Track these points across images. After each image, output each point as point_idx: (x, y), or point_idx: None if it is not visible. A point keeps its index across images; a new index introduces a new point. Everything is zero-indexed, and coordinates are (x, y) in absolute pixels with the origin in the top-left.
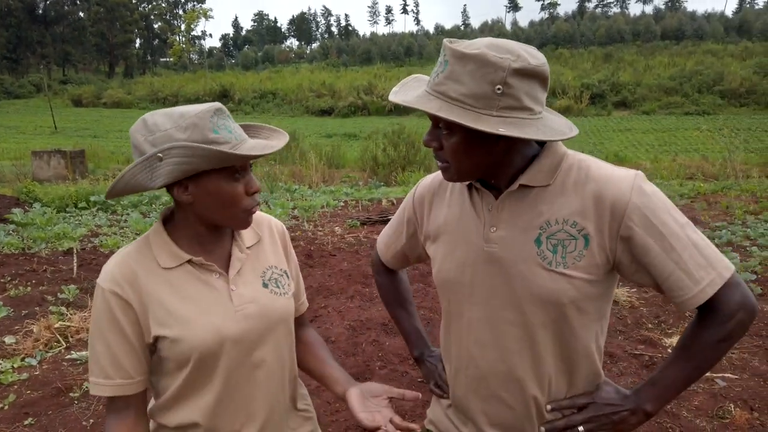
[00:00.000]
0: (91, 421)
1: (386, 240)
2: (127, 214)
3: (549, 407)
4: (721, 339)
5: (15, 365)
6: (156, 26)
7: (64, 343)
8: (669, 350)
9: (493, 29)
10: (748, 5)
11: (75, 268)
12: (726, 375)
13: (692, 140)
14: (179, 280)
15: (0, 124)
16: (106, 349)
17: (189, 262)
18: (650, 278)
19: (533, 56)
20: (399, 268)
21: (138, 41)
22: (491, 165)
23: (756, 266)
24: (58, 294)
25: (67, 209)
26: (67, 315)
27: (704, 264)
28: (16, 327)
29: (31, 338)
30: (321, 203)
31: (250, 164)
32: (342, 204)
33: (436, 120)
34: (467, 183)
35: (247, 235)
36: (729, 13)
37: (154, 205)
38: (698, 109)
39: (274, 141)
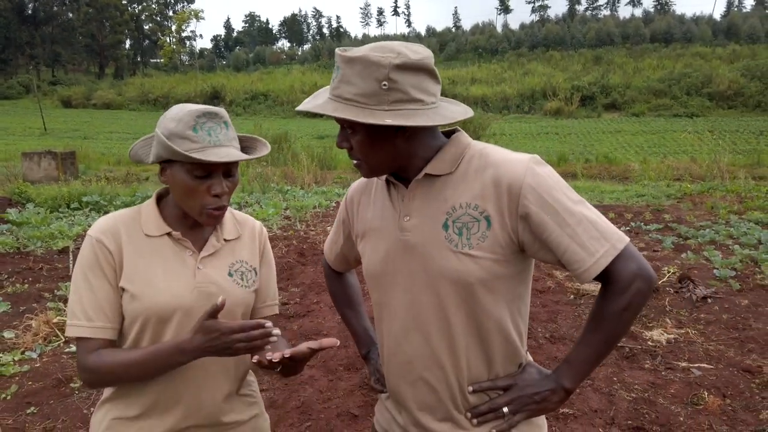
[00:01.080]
0: (92, 409)
1: (329, 243)
2: None
3: (470, 389)
4: (622, 308)
5: (16, 358)
6: (146, 27)
7: (62, 337)
8: (649, 343)
9: (484, 31)
10: (736, 8)
11: (71, 266)
12: (702, 365)
13: (681, 142)
14: (156, 248)
15: None
16: (90, 292)
17: (169, 235)
18: (551, 254)
19: (415, 52)
20: (343, 270)
21: (128, 42)
22: (397, 157)
23: (736, 263)
24: (55, 291)
25: (59, 209)
26: (64, 311)
27: (598, 236)
28: (15, 322)
29: (30, 332)
30: (313, 203)
31: (232, 172)
32: (334, 204)
33: (341, 123)
34: (385, 179)
35: (228, 229)
36: (717, 16)
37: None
38: (687, 111)
39: (250, 154)
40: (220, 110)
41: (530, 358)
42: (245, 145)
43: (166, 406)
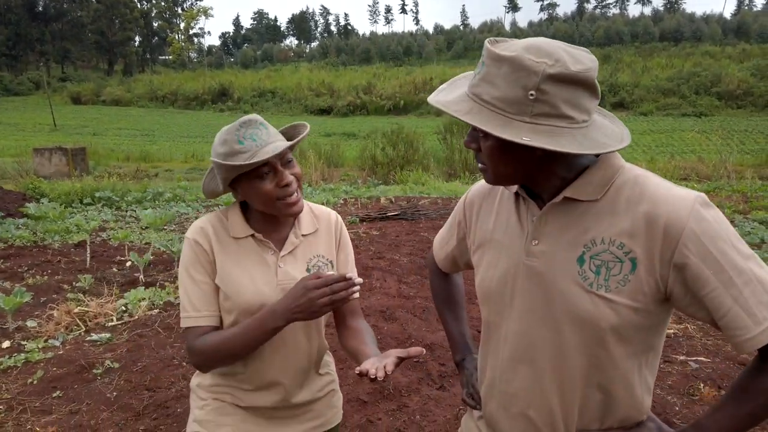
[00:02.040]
0: (115, 393)
1: (440, 240)
2: (132, 209)
3: None
4: None
5: (40, 346)
6: (155, 24)
7: (83, 326)
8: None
9: (492, 29)
10: (746, 7)
11: (88, 259)
12: (699, 358)
13: (689, 142)
14: (241, 249)
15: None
16: (194, 286)
17: (252, 236)
18: (706, 313)
19: (577, 61)
20: (449, 271)
21: (137, 39)
22: (530, 172)
23: None
24: (74, 283)
25: (72, 205)
26: (84, 301)
27: (767, 302)
28: (37, 312)
29: (52, 322)
30: (321, 200)
31: (288, 159)
32: (341, 201)
33: None
34: (515, 191)
35: (305, 224)
36: (727, 15)
37: (157, 201)
38: (695, 110)
39: (296, 138)
40: (254, 116)
41: (650, 414)
42: (290, 135)
43: (258, 386)
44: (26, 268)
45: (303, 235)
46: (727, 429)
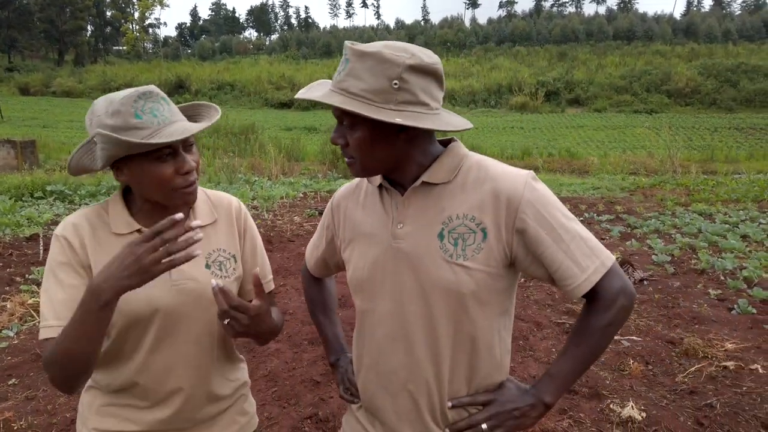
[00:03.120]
0: None
1: (310, 248)
2: (86, 203)
3: (450, 404)
4: (607, 323)
5: None
6: (108, 13)
7: (37, 317)
8: None
9: (452, 25)
10: (695, 8)
11: (41, 252)
12: (631, 337)
13: (640, 137)
14: None
15: None
16: (59, 290)
17: (139, 231)
18: (543, 269)
19: (428, 55)
20: (321, 275)
21: (89, 28)
22: (394, 159)
23: (674, 250)
24: (26, 275)
25: (23, 198)
26: (37, 293)
27: (589, 253)
28: None
29: (6, 313)
30: (280, 194)
31: (189, 142)
32: (301, 195)
33: (340, 118)
34: (378, 185)
35: (202, 214)
36: (677, 15)
37: (111, 195)
38: (646, 107)
39: (204, 122)
40: (154, 88)
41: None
42: (190, 114)
43: (153, 396)
44: None
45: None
46: (570, 370)
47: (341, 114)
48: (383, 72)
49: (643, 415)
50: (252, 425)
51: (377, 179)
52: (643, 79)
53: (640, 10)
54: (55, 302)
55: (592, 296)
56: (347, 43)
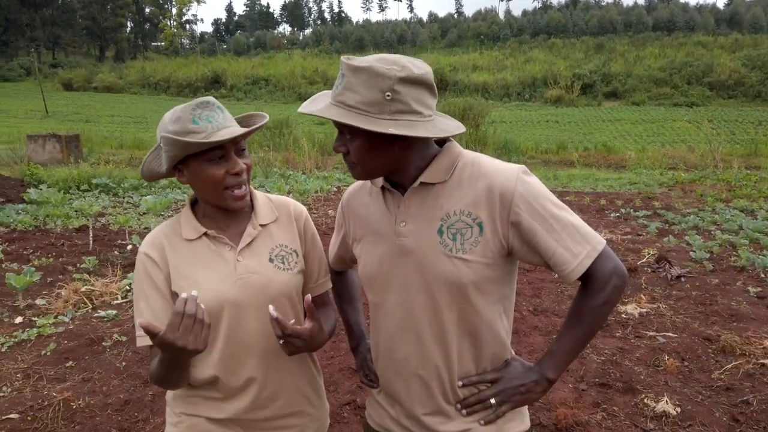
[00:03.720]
0: (123, 363)
1: (331, 244)
2: (129, 196)
3: (460, 383)
4: (602, 303)
5: (50, 321)
6: (148, 10)
7: (90, 304)
8: (622, 315)
9: (486, 18)
10: None
11: (91, 243)
12: (667, 333)
13: (680, 131)
14: (196, 250)
15: None
16: (146, 303)
17: (206, 234)
18: (539, 257)
19: (417, 67)
20: (340, 269)
21: (129, 25)
22: (392, 164)
23: (713, 247)
24: (78, 264)
25: (69, 191)
26: (90, 281)
27: (580, 240)
28: (44, 292)
29: (61, 300)
30: (315, 188)
31: (242, 147)
32: (335, 189)
33: (340, 128)
34: (380, 186)
35: (263, 214)
36: (720, 4)
37: (153, 188)
38: (687, 100)
39: (253, 126)
40: (211, 98)
41: (512, 353)
42: (245, 124)
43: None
44: (31, 251)
45: (262, 225)
46: (570, 348)
47: (341, 125)
48: (376, 85)
49: (678, 410)
50: (323, 429)
51: (379, 181)
52: (683, 71)
53: (681, 0)
54: (144, 314)
55: (587, 279)
56: (343, 58)
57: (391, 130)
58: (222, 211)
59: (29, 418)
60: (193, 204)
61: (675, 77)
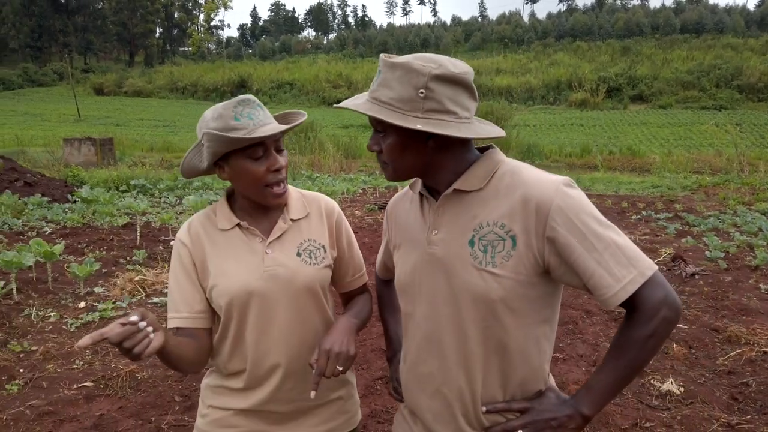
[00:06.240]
0: None
1: (379, 252)
2: (165, 196)
3: (485, 408)
4: (648, 336)
5: (110, 306)
6: (176, 16)
7: (143, 292)
8: None
9: (510, 21)
10: None
11: (138, 238)
12: (678, 325)
13: (707, 135)
14: (229, 240)
15: (26, 112)
16: (177, 287)
17: (239, 225)
18: (577, 278)
19: (455, 66)
20: (385, 277)
21: (158, 31)
22: (424, 165)
23: (730, 247)
24: (128, 257)
25: (109, 191)
26: (142, 271)
27: (625, 263)
28: (101, 281)
29: (117, 288)
30: (341, 190)
31: (280, 146)
32: (360, 191)
33: (375, 126)
34: (419, 192)
35: (295, 209)
36: (751, 6)
37: (187, 189)
38: (715, 103)
39: (293, 123)
40: (251, 96)
41: (552, 382)
42: (282, 122)
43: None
44: (84, 245)
45: (293, 220)
46: (611, 382)
47: (376, 122)
48: (410, 81)
49: (681, 389)
50: (352, 424)
51: (418, 187)
52: (712, 74)
53: (711, 2)
54: (175, 297)
55: (633, 307)
56: (382, 55)
57: (419, 127)
58: (258, 205)
59: (102, 386)
60: (229, 196)
61: (703, 80)
